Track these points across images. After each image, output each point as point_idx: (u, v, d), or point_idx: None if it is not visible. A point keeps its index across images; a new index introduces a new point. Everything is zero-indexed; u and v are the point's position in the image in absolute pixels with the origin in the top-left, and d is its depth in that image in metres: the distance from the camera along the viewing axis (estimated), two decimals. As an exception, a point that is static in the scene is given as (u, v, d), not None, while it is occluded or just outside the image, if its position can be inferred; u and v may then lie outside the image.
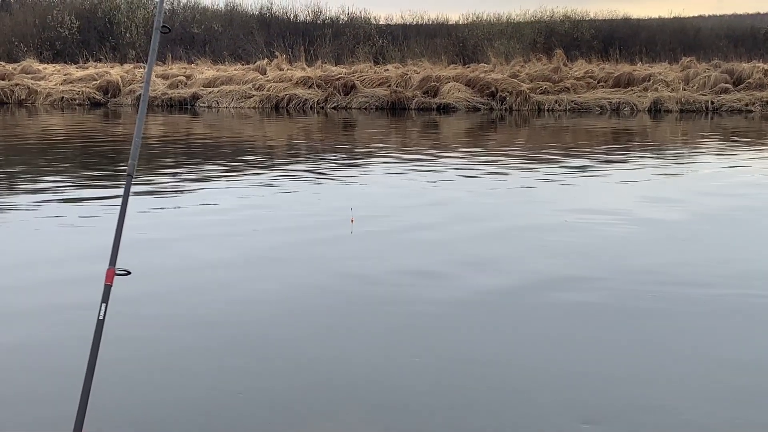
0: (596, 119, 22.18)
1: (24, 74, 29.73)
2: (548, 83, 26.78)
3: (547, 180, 10.62)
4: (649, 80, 26.95)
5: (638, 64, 31.64)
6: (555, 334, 4.62)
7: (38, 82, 28.63)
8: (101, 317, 2.71)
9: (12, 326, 4.71)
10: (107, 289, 2.75)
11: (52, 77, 29.66)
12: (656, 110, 24.75)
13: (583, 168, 11.82)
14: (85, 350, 2.76)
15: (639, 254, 6.47)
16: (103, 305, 2.72)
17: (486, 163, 12.35)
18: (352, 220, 7.44)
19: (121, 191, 9.39)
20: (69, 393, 3.41)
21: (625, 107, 25.06)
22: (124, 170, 11.29)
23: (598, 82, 27.65)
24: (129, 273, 2.82)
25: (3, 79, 28.31)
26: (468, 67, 31.07)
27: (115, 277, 2.80)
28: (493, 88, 25.95)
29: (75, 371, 3.37)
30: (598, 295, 5.33)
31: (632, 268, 6.02)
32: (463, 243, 6.89)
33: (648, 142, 16.60)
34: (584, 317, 4.91)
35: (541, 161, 12.62)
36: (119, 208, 2.94)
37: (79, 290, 5.35)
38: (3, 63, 31.43)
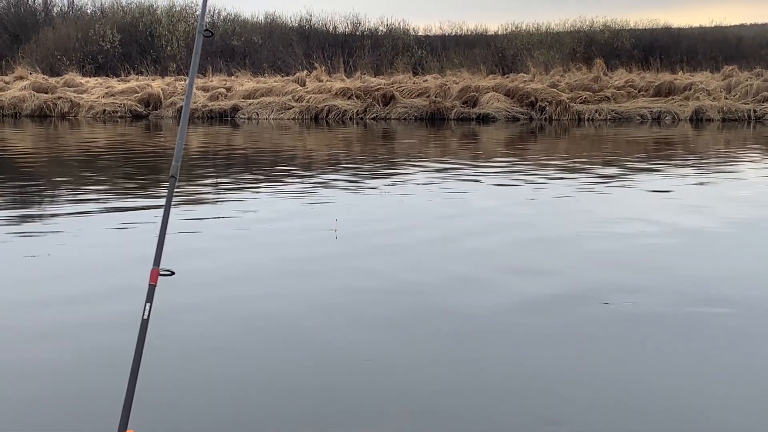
0: (637, 128, 22.03)
1: (67, 87, 30.08)
2: (588, 93, 26.66)
3: (587, 189, 10.55)
4: (690, 89, 26.74)
5: (679, 73, 31.42)
6: (606, 342, 4.58)
7: (80, 95, 28.93)
8: (146, 317, 2.72)
9: (62, 329, 4.76)
10: (151, 288, 2.77)
11: (94, 90, 29.98)
12: (698, 119, 24.54)
13: (623, 177, 11.73)
14: (130, 349, 2.78)
15: (683, 264, 6.38)
16: (148, 305, 2.73)
17: (526, 172, 12.30)
18: (335, 229, 7.43)
19: (160, 201, 9.48)
20: (115, 391, 3.43)
21: (666, 116, 24.88)
22: (164, 181, 11.41)
23: (639, 92, 27.47)
24: (173, 273, 2.84)
25: (46, 93, 28.63)
26: (507, 77, 31.04)
27: (159, 277, 2.82)
28: (532, 98, 25.87)
29: (120, 369, 3.40)
30: (646, 304, 5.26)
31: (677, 277, 5.94)
32: (508, 251, 6.84)
33: (690, 151, 16.45)
34: (634, 326, 4.84)
35: (582, 171, 12.54)
36: (163, 209, 2.96)
37: (123, 293, 5.41)
38: (46, 77, 31.82)
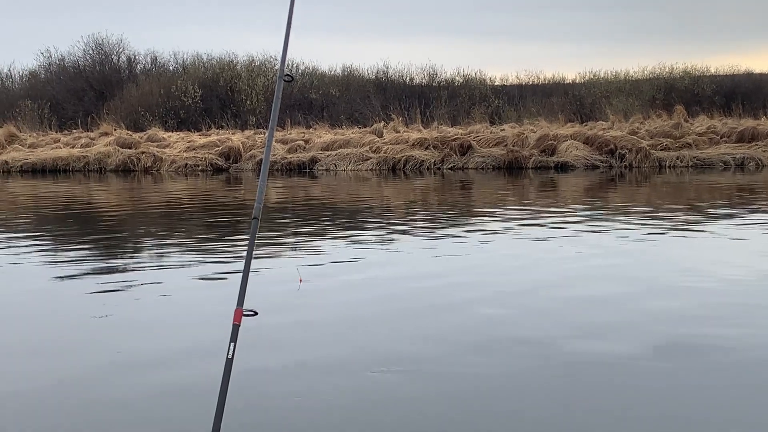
0: (720, 175, 21.64)
1: (150, 142, 30.69)
2: (669, 139, 26.30)
3: (673, 236, 10.35)
4: (774, 134, 26.23)
5: (762, 119, 30.89)
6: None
7: (163, 149, 29.49)
8: (230, 356, 2.72)
9: (151, 375, 4.79)
10: (235, 328, 2.76)
11: (176, 144, 30.52)
12: (783, 165, 24.04)
13: (708, 224, 11.49)
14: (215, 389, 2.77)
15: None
16: (232, 344, 2.73)
17: (609, 220, 12.13)
18: (300, 280, 7.34)
19: (240, 250, 9.56)
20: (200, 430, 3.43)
21: (749, 162, 24.40)
22: (243, 229, 11.53)
23: (721, 138, 27.03)
24: (256, 314, 2.83)
25: (130, 148, 29.26)
26: (586, 125, 30.86)
27: (243, 317, 2.81)
28: (612, 146, 25.62)
29: (207, 410, 3.39)
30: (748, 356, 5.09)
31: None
32: (593, 306, 6.72)
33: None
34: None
35: (668, 219, 12.33)
36: (246, 251, 2.96)
37: (210, 335, 5.47)
38: (130, 132, 32.54)
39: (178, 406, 4.22)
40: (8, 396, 4.48)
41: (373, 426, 3.92)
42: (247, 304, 2.89)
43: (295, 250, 9.55)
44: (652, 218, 12.11)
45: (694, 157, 24.92)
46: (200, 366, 4.88)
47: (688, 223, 11.44)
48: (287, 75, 3.40)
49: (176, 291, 7.20)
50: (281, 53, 3.43)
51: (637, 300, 6.56)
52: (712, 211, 13.07)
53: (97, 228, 12.58)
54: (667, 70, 43.79)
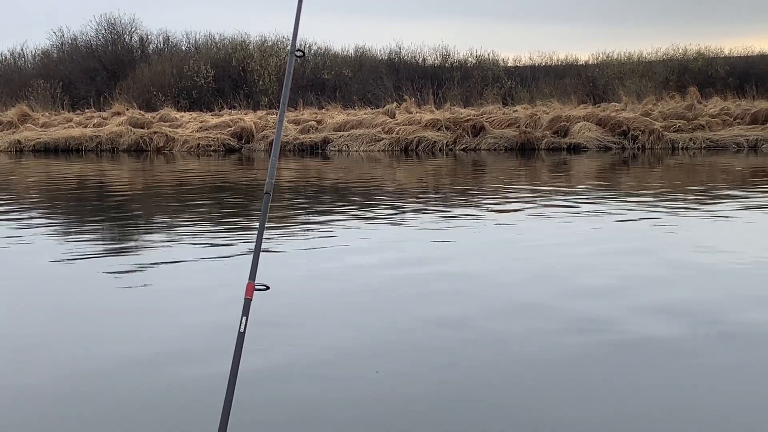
0: (733, 157, 21.55)
1: (162, 122, 30.72)
2: (682, 121, 26.18)
3: (698, 217, 10.33)
4: (788, 116, 26.09)
5: (776, 100, 30.68)
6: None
7: (175, 129, 29.51)
8: (242, 330, 2.73)
9: (160, 345, 4.82)
10: (247, 302, 2.77)
11: (189, 125, 30.54)
12: (797, 146, 23.92)
13: (723, 207, 11.45)
14: (227, 362, 2.78)
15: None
16: (244, 318, 2.74)
17: (627, 202, 12.10)
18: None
19: (252, 229, 9.58)
20: (212, 405, 3.44)
21: (763, 144, 24.28)
22: (256, 209, 11.54)
23: (734, 119, 26.89)
24: (268, 288, 2.83)
25: (142, 128, 29.28)
26: (598, 107, 30.76)
27: (255, 291, 2.81)
28: (624, 127, 25.53)
29: (218, 383, 3.41)
30: None
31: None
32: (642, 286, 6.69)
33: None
34: None
35: (685, 200, 12.29)
36: (258, 227, 2.97)
37: (220, 311, 5.51)
38: (142, 112, 32.56)
39: (188, 382, 4.24)
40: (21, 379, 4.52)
41: (385, 416, 3.93)
42: (258, 281, 2.90)
43: (306, 231, 9.56)
44: (666, 200, 12.08)
45: (707, 139, 24.82)
46: (212, 341, 4.90)
47: (702, 204, 11.40)
48: (298, 50, 3.40)
49: (188, 267, 7.23)
50: (293, 28, 3.43)
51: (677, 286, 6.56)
52: (728, 193, 13.03)
53: (110, 207, 12.62)
54: (680, 51, 43.58)
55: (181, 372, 4.41)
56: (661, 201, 11.81)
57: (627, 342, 4.85)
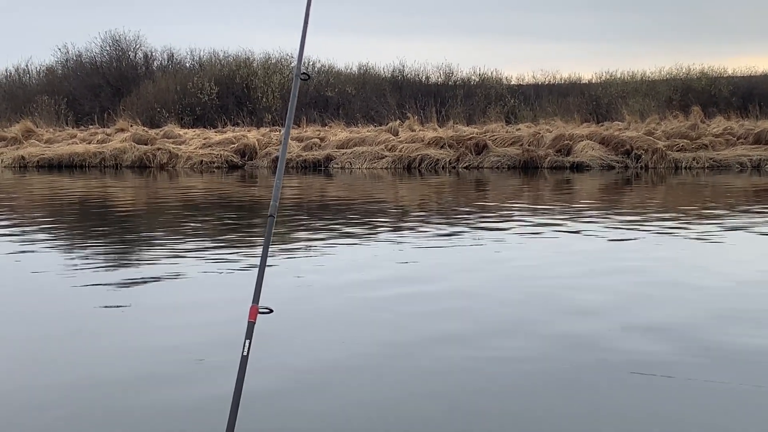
0: (736, 177, 21.54)
1: (166, 139, 30.76)
2: (685, 140, 26.16)
3: (699, 239, 10.33)
4: (792, 136, 26.06)
5: (780, 120, 30.67)
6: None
7: (179, 146, 29.53)
8: (245, 353, 2.73)
9: (160, 363, 4.82)
10: (251, 326, 2.77)
11: (192, 141, 30.56)
12: (800, 167, 23.91)
13: (726, 226, 11.45)
14: (231, 385, 2.78)
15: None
16: (247, 341, 2.74)
17: (629, 222, 12.11)
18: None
19: (254, 247, 9.59)
20: (215, 428, 3.44)
21: (766, 164, 24.26)
22: (259, 226, 11.56)
23: (738, 139, 26.85)
24: (271, 311, 2.84)
25: (146, 144, 29.29)
26: (602, 126, 30.76)
27: (258, 314, 2.82)
28: (628, 146, 25.51)
29: (222, 406, 3.40)
30: None
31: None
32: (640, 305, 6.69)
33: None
34: None
35: (690, 221, 12.29)
36: (262, 248, 2.97)
37: (223, 330, 5.52)
38: (146, 128, 32.59)
39: (191, 405, 4.23)
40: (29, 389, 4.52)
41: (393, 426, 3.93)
42: (261, 302, 2.90)
43: (308, 249, 9.56)
44: (667, 219, 12.09)
45: (711, 159, 24.80)
46: (215, 363, 4.90)
47: (714, 225, 11.40)
48: (304, 73, 3.41)
49: (191, 286, 7.23)
50: (298, 51, 3.44)
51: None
52: (731, 212, 13.02)
53: (113, 223, 12.62)
54: (684, 70, 43.64)
55: (182, 392, 4.40)
56: (663, 221, 11.81)
57: (622, 362, 4.85)
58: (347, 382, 4.55)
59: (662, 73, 43.91)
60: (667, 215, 12.71)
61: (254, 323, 2.78)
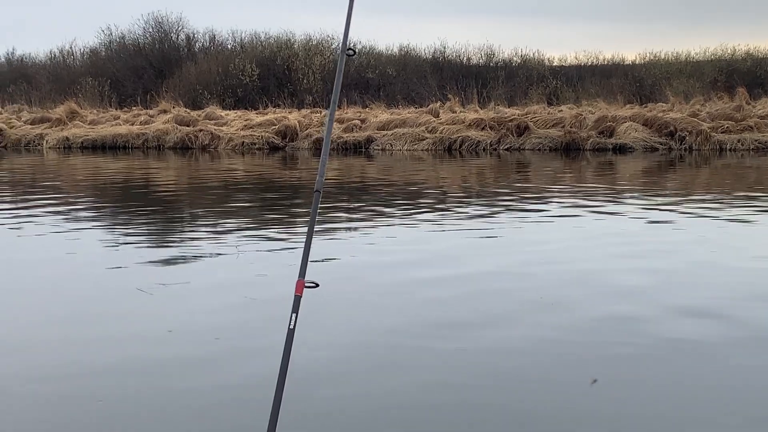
0: (782, 158, 21.27)
1: (207, 120, 30.91)
2: (730, 122, 25.84)
3: (741, 221, 10.23)
4: (839, 117, 25.66)
5: (827, 101, 30.20)
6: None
7: (220, 127, 29.66)
8: (292, 326, 2.74)
9: (208, 342, 4.87)
10: (297, 299, 2.79)
11: (234, 123, 30.67)
12: None
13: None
14: (277, 359, 2.80)
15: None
16: (294, 315, 2.75)
17: (671, 203, 12.01)
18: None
19: (296, 227, 9.63)
20: (262, 402, 3.46)
21: (813, 146, 23.94)
22: (301, 206, 11.61)
23: (784, 120, 26.50)
24: (317, 285, 2.85)
25: (188, 126, 29.46)
26: (645, 107, 30.47)
27: (305, 288, 2.83)
28: (671, 128, 25.26)
29: (268, 380, 3.43)
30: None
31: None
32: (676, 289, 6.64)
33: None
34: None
35: (732, 203, 12.16)
36: (308, 223, 2.98)
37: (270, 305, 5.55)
38: (188, 110, 32.77)
39: (236, 380, 4.27)
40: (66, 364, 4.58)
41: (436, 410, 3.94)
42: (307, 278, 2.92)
43: (349, 230, 9.58)
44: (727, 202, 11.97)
45: (756, 140, 24.49)
46: (262, 338, 4.94)
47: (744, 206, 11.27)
48: (350, 49, 3.41)
49: (235, 264, 7.28)
50: (344, 27, 3.44)
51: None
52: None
53: (157, 203, 12.73)
54: (729, 51, 43.05)
55: (229, 370, 4.44)
56: (704, 202, 11.69)
57: (662, 342, 4.83)
58: (368, 364, 4.57)
59: (707, 53, 43.38)
60: (708, 197, 12.57)
61: (300, 297, 2.80)
